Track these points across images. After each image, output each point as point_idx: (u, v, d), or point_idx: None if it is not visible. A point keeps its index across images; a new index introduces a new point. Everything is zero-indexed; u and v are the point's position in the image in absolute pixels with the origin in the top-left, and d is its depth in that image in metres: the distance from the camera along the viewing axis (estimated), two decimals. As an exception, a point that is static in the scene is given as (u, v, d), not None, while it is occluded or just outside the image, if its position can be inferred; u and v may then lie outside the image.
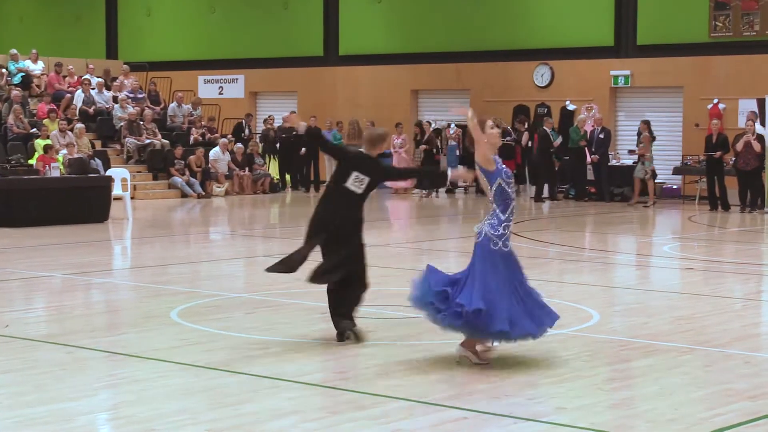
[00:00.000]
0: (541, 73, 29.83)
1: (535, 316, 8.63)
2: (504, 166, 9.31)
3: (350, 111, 31.58)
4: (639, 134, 27.00)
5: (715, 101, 26.70)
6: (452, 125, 29.82)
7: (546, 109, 29.27)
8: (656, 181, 27.13)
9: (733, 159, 24.66)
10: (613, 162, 27.59)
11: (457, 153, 29.47)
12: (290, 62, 33.84)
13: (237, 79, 35.05)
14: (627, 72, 28.45)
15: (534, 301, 8.71)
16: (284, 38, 34.05)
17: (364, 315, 10.90)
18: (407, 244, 18.19)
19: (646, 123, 26.33)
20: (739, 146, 24.23)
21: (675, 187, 27.62)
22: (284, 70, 33.94)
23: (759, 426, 7.02)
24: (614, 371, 8.62)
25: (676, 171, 27.11)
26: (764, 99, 24.58)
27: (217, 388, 7.91)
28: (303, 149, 29.71)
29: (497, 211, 8.85)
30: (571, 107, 28.77)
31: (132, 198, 22.44)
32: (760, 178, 24.28)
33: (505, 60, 30.21)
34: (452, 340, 9.57)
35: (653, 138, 26.15)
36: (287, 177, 30.37)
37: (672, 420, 7.26)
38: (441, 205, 26.87)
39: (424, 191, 29.33)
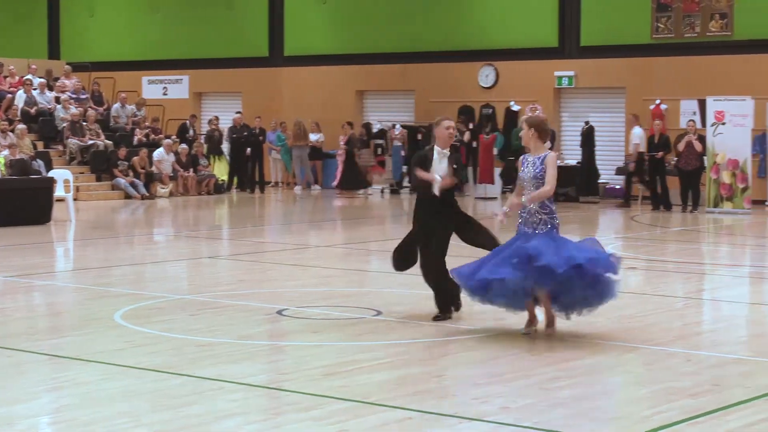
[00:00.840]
0: (485, 74, 29.94)
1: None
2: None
3: (295, 112, 31.51)
4: (582, 135, 27.20)
5: (657, 102, 26.94)
6: (397, 126, 29.83)
7: (491, 110, 29.39)
8: (599, 181, 27.34)
9: (675, 159, 24.90)
10: (557, 162, 27.72)
11: (402, 154, 29.50)
12: (235, 63, 33.70)
13: (181, 79, 34.86)
14: (571, 73, 28.64)
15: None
16: (229, 39, 33.91)
17: (309, 316, 10.88)
18: (353, 244, 18.18)
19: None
20: (681, 146, 24.48)
21: (618, 187, 27.83)
22: (229, 70, 33.80)
23: (700, 423, 7.08)
24: (559, 370, 8.66)
25: (619, 171, 27.31)
26: (705, 99, 24.84)
27: (161, 390, 7.86)
28: (249, 149, 29.61)
29: None
30: (515, 108, 28.91)
31: (75, 199, 22.23)
32: (701, 178, 24.53)
33: (449, 61, 30.29)
34: (396, 342, 9.59)
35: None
36: (234, 178, 30.22)
37: (615, 418, 7.31)
38: (386, 205, 26.88)
39: (369, 191, 29.34)
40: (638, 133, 25.36)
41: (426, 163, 10.76)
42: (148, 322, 10.47)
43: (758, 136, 25.03)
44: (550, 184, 9.96)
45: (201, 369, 8.46)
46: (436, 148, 10.82)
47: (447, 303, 10.70)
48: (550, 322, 9.96)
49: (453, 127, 10.92)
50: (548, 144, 10.19)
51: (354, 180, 28.89)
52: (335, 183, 29.76)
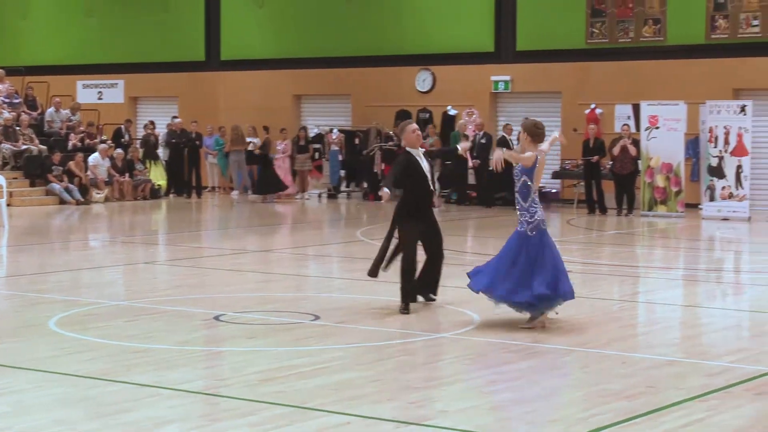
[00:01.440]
0: (422, 79, 30.02)
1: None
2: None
3: (232, 116, 31.39)
4: (519, 139, 27.34)
5: (593, 106, 27.18)
6: (335, 130, 29.83)
7: (428, 115, 29.47)
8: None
9: (610, 163, 25.14)
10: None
11: (339, 158, 29.50)
12: (171, 67, 33.50)
13: (117, 84, 34.59)
14: (507, 77, 28.81)
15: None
16: (165, 43, 33.70)
17: (246, 321, 10.85)
18: (290, 249, 18.15)
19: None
20: (616, 150, 24.72)
21: (554, 191, 28.03)
22: (165, 75, 33.58)
23: (635, 425, 7.16)
24: (495, 374, 8.72)
25: (555, 175, 27.52)
26: (639, 104, 25.09)
27: (97, 397, 7.79)
28: (185, 150, 29.45)
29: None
30: (452, 112, 29.02)
31: (8, 205, 21.97)
32: (636, 182, 24.79)
33: (387, 65, 30.33)
34: (334, 346, 9.59)
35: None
36: (168, 182, 30.04)
37: (552, 421, 7.36)
38: (323, 210, 26.87)
39: (306, 196, 29.30)
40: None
41: (414, 167, 11.49)
42: (84, 329, 10.38)
43: (691, 140, 25.34)
44: (524, 160, 10.57)
45: (137, 375, 8.40)
46: (412, 151, 11.59)
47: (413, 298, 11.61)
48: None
49: (418, 128, 11.85)
50: (543, 145, 10.73)
51: (269, 184, 28.68)
52: (250, 188, 29.69)
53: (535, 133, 10.62)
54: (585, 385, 8.36)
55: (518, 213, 10.71)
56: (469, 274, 11.01)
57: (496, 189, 27.44)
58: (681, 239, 20.59)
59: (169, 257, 17.10)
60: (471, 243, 20.16)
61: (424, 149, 11.78)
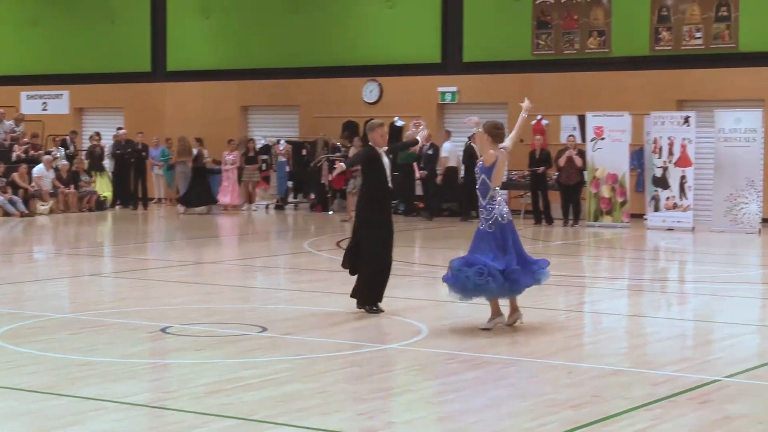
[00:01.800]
0: (369, 90, 30.08)
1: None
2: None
3: (179, 128, 31.25)
4: (465, 151, 27.49)
5: (539, 117, 27.35)
6: (282, 141, 29.78)
7: (375, 126, 29.48)
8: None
9: (556, 174, 25.30)
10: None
11: (287, 169, 29.44)
12: (117, 78, 33.30)
13: (61, 94, 34.33)
14: (454, 88, 28.93)
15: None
16: (110, 53, 33.50)
17: (193, 333, 10.80)
18: (237, 261, 18.09)
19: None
20: (562, 161, 24.89)
21: (501, 201, 28.16)
22: (110, 85, 33.38)
23: (581, 434, 7.21)
24: (443, 384, 8.73)
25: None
26: (584, 115, 25.30)
27: (41, 411, 7.71)
28: (132, 160, 29.25)
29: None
30: (399, 123, 29.06)
31: (-49, 217, 21.70)
32: (581, 192, 24.97)
33: (334, 76, 30.36)
34: (281, 358, 9.57)
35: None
36: (114, 194, 29.83)
37: (499, 431, 7.39)
38: (271, 221, 26.81)
39: (254, 207, 29.22)
40: (447, 147, 26.94)
41: (377, 161, 11.94)
42: (28, 342, 10.27)
43: (636, 151, 25.56)
44: (487, 156, 11.09)
45: (82, 389, 8.33)
46: (375, 147, 12.09)
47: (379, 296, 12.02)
48: (514, 309, 11.19)
49: (386, 132, 12.51)
50: (506, 142, 11.36)
51: (198, 197, 28.47)
52: (180, 200, 29.52)
53: (494, 133, 11.08)
54: (532, 395, 8.39)
55: (479, 211, 11.17)
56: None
57: (443, 199, 27.54)
58: (626, 249, 20.76)
59: (115, 269, 16.98)
60: (419, 254, 20.20)
61: (386, 147, 12.22)
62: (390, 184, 12.09)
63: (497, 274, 10.74)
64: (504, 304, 11.28)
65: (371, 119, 29.75)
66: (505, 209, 11.09)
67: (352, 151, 28.57)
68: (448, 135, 27.70)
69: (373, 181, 12.02)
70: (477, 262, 10.79)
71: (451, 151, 27.14)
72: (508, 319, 11.24)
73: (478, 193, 11.14)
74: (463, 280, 10.81)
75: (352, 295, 12.16)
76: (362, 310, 12.06)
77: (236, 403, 7.93)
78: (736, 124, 23.34)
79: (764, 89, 25.29)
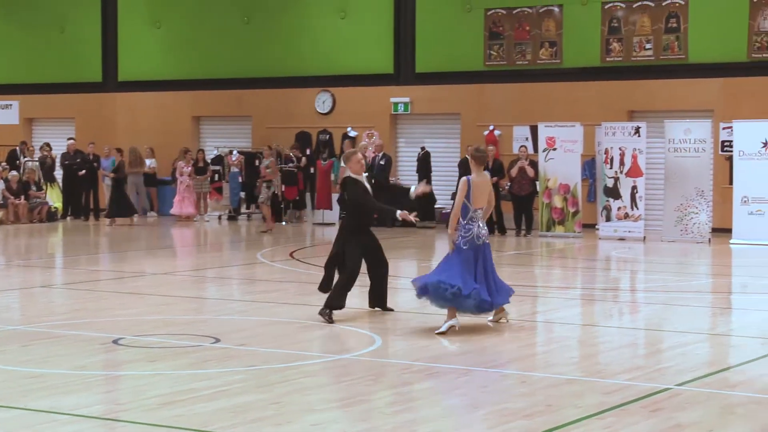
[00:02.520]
0: (322, 100, 30.08)
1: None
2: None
3: (131, 138, 31.09)
4: (418, 160, 27.55)
5: (491, 128, 27.48)
6: (234, 152, 29.70)
7: (328, 136, 29.52)
8: (436, 206, 27.68)
9: (509, 184, 25.41)
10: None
11: (240, 180, 29.36)
12: (67, 88, 33.09)
13: (11, 105, 34.04)
14: (406, 99, 29.00)
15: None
16: (61, 63, 33.28)
17: (146, 344, 10.75)
18: (190, 272, 18.01)
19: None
20: (514, 172, 24.99)
21: (454, 211, 28.25)
22: (61, 95, 33.15)
23: (534, 443, 7.25)
24: (396, 394, 8.75)
25: (454, 197, 27.68)
26: (536, 126, 25.43)
27: (-8, 424, 7.65)
28: (82, 171, 28.99)
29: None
30: (352, 134, 29.09)
31: None
32: (534, 203, 25.08)
33: (286, 87, 30.34)
34: (234, 369, 9.55)
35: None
36: (65, 205, 29.60)
37: (452, 440, 7.41)
38: (223, 232, 26.72)
39: (206, 218, 29.11)
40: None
41: (366, 190, 12.53)
42: (-22, 355, 10.17)
43: (587, 161, 25.74)
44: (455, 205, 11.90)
45: (33, 401, 8.27)
46: (358, 177, 12.54)
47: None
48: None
49: (362, 158, 12.84)
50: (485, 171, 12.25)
51: (119, 208, 28.26)
52: (149, 210, 29.35)
53: (475, 156, 11.91)
54: (485, 404, 8.43)
55: (458, 228, 11.77)
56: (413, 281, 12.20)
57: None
58: (578, 259, 20.89)
59: (67, 281, 16.86)
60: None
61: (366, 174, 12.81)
62: (413, 195, 12.99)
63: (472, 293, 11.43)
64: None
65: (323, 130, 29.75)
66: (484, 231, 11.73)
67: (303, 162, 28.59)
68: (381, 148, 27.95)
69: (363, 211, 12.59)
70: (451, 282, 11.43)
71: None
72: (494, 315, 12.02)
73: (460, 212, 11.76)
74: (442, 293, 11.46)
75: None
76: (323, 315, 12.24)
77: (189, 414, 7.91)
78: (686, 134, 23.57)
79: (714, 100, 25.57)
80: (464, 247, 11.59)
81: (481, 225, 11.71)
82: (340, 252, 12.54)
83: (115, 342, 10.82)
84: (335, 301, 12.37)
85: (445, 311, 11.65)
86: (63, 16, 33.35)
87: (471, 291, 11.38)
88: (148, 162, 29.98)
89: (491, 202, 12.00)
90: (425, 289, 11.64)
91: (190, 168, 29.08)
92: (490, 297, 11.57)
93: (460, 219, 11.70)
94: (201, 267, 18.89)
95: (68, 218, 29.22)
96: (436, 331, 11.34)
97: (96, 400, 8.56)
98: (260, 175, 26.25)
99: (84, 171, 29.07)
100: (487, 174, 12.10)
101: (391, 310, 12.92)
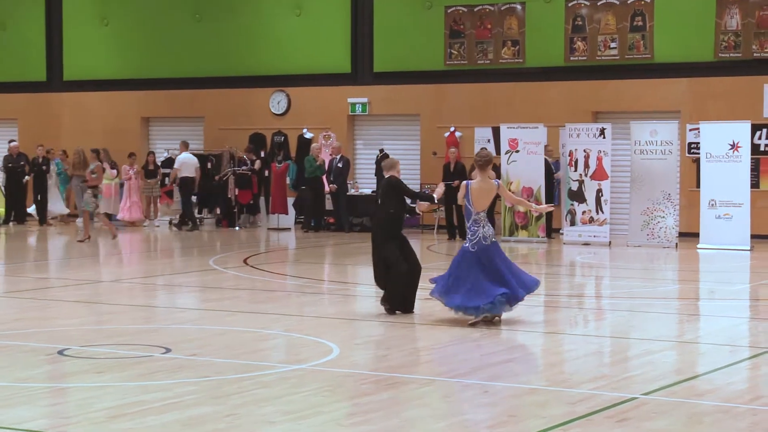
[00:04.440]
0: (277, 100, 30.05)
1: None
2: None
3: (77, 139, 30.85)
4: (377, 163, 27.55)
5: (452, 129, 27.55)
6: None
7: (283, 138, 29.48)
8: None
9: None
10: (351, 191, 28.02)
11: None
12: (10, 87, 32.84)
13: (-49, 105, 33.78)
14: (364, 99, 29.01)
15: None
16: (3, 62, 33.03)
17: (93, 355, 10.69)
18: (139, 279, 17.93)
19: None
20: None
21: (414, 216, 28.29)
22: (3, 95, 32.90)
23: (498, 455, 7.27)
24: (355, 406, 8.75)
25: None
26: (499, 127, 25.51)
27: (-69, 439, 7.59)
28: (26, 178, 28.80)
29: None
30: (308, 135, 29.08)
31: None
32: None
33: (240, 86, 30.28)
34: (186, 380, 9.51)
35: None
36: (7, 210, 29.37)
37: (412, 453, 7.42)
38: (174, 237, 26.60)
39: (156, 223, 28.99)
40: (182, 159, 27.87)
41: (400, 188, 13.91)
42: None
43: (551, 164, 25.85)
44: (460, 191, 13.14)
45: (-25, 415, 8.20)
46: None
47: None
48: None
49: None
50: (495, 180, 13.20)
51: (44, 210, 28.21)
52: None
53: (477, 161, 13.03)
54: (447, 415, 8.44)
55: (466, 231, 12.88)
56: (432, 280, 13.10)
57: (354, 214, 27.58)
58: (542, 264, 20.98)
59: (10, 288, 16.73)
60: (329, 270, 20.21)
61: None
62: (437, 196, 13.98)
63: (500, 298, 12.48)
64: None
65: (278, 131, 29.62)
66: (490, 231, 12.69)
67: (257, 164, 28.51)
68: (185, 146, 28.49)
69: (400, 210, 13.77)
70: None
71: (183, 162, 27.96)
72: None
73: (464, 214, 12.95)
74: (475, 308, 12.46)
75: (383, 301, 13.45)
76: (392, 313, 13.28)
77: (139, 428, 7.87)
78: (652, 136, 23.74)
79: (680, 101, 25.78)
80: (472, 250, 12.57)
81: (485, 226, 12.68)
82: (380, 261, 13.51)
83: (60, 353, 10.75)
84: (394, 300, 13.39)
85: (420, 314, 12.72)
86: (4, 13, 33.12)
87: (494, 297, 12.42)
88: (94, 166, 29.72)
89: (511, 198, 14.73)
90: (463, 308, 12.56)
91: (134, 170, 28.87)
92: (515, 290, 12.61)
93: (466, 221, 12.86)
94: (150, 274, 18.81)
95: (11, 224, 28.98)
96: (469, 322, 12.43)
97: (40, 413, 8.50)
98: (84, 180, 25.04)
99: (27, 178, 28.86)
100: (491, 180, 12.97)
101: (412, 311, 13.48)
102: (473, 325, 12.37)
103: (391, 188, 13.74)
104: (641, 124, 24.12)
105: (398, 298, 13.35)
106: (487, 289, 12.43)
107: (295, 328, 12.26)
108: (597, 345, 12.11)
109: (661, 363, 10.70)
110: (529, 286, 12.96)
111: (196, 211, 29.75)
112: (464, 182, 13.03)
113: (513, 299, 12.65)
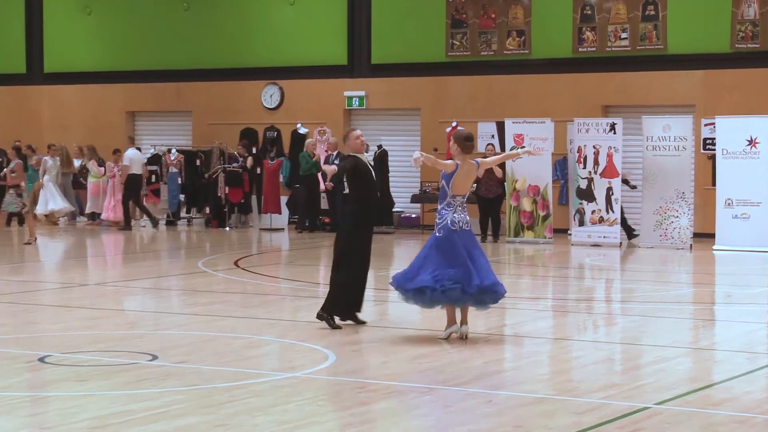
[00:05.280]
0: (269, 94, 30.05)
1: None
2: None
3: (58, 135, 30.90)
4: (375, 159, 27.59)
5: (454, 124, 27.54)
6: (173, 150, 29.57)
7: (276, 133, 29.50)
8: (394, 209, 27.73)
9: (475, 186, 25.47)
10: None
11: (179, 181, 29.23)
12: (-12, 80, 32.89)
13: (-75, 98, 33.79)
14: (361, 93, 29.02)
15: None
16: (-20, 53, 33.07)
17: (76, 362, 10.70)
18: (124, 282, 17.94)
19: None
20: (480, 172, 24.93)
21: (414, 215, 28.32)
22: (-19, 88, 32.95)
23: (502, 468, 7.28)
24: (352, 416, 8.76)
25: (415, 199, 27.79)
26: (503, 122, 25.48)
27: None
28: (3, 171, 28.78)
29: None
30: (302, 131, 29.09)
31: None
32: (501, 206, 25.11)
33: (230, 79, 30.29)
34: (174, 389, 9.53)
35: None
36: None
37: (413, 465, 7.44)
38: (161, 238, 26.62)
39: (141, 223, 29.00)
40: (130, 155, 28.05)
41: (364, 167, 12.79)
42: None
43: (559, 161, 25.88)
44: (445, 166, 12.36)
45: (-49, 426, 8.21)
46: (359, 155, 12.85)
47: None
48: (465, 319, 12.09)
49: (361, 134, 13.17)
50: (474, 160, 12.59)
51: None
52: (78, 215, 29.30)
53: (464, 145, 12.36)
54: (448, 426, 8.45)
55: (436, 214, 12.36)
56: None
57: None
58: (549, 267, 20.98)
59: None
60: (324, 273, 20.20)
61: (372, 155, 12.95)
62: (377, 194, 13.27)
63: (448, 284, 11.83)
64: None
65: (270, 127, 29.71)
66: (458, 217, 12.10)
67: (249, 162, 28.52)
68: (131, 141, 28.99)
69: (362, 190, 12.85)
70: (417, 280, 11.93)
71: (131, 158, 28.19)
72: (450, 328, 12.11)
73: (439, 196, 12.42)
74: (419, 296, 11.95)
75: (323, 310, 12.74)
76: (322, 319, 12.65)
77: (124, 439, 7.89)
78: (666, 131, 23.74)
79: (695, 94, 25.79)
80: (438, 234, 12.06)
81: (458, 213, 12.10)
82: (340, 255, 12.73)
83: (41, 360, 10.75)
84: (337, 300, 12.70)
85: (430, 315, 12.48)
86: (-17, 1, 33.16)
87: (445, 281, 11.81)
88: (77, 162, 29.79)
89: (492, 162, 13.89)
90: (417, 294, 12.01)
91: (118, 167, 28.85)
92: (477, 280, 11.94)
93: (439, 203, 12.29)
94: (136, 277, 18.81)
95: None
96: (438, 337, 12.00)
97: (20, 423, 8.51)
98: (4, 179, 24.73)
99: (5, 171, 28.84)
100: (472, 161, 12.47)
101: (364, 323, 12.97)
102: (446, 339, 11.97)
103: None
104: (654, 119, 24.14)
105: (329, 299, 12.73)
106: (440, 275, 11.84)
107: (288, 334, 12.27)
108: (607, 352, 12.12)
109: (674, 371, 10.71)
110: (494, 289, 12.14)
111: (184, 210, 29.78)
112: (453, 162, 12.29)
113: (467, 296, 11.91)
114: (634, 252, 23.10)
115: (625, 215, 24.55)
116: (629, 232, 24.70)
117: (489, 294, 12.07)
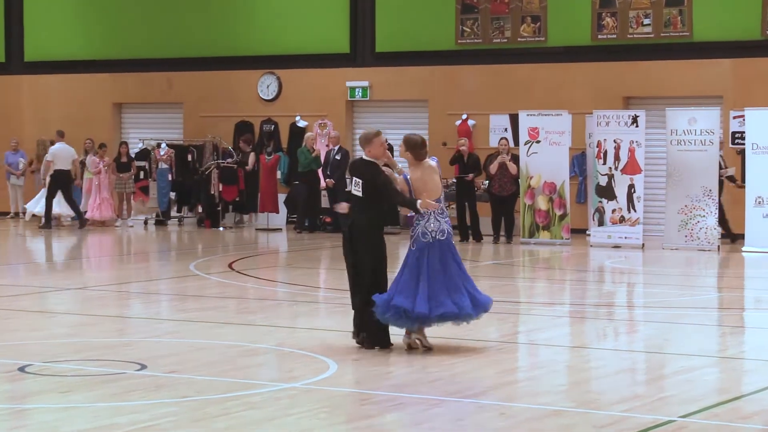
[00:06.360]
0: (266, 84, 30.05)
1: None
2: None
3: (39, 127, 30.96)
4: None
5: (464, 117, 27.55)
6: (163, 145, 29.56)
7: (273, 126, 29.50)
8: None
9: (486, 183, 25.43)
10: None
11: (169, 178, 29.22)
12: (-36, 69, 32.93)
13: None
14: (365, 83, 29.00)
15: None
16: (-43, 41, 33.11)
17: (58, 372, 10.70)
18: (110, 286, 17.95)
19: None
20: (493, 169, 24.92)
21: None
22: (-43, 78, 32.99)
23: (517, 485, 7.28)
24: (355, 429, 8.76)
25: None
26: (517, 114, 25.43)
27: None
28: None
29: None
30: (301, 124, 29.09)
31: None
32: (516, 205, 25.05)
33: (224, 68, 30.28)
34: (164, 400, 9.53)
35: None
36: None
37: (420, 483, 7.44)
38: (150, 239, 26.64)
39: (129, 222, 29.00)
40: (54, 150, 27.86)
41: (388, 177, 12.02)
42: None
43: (577, 156, 25.85)
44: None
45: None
46: (378, 162, 12.10)
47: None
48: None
49: (386, 140, 12.69)
50: (429, 158, 12.27)
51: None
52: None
53: (418, 153, 12.00)
54: (458, 440, 8.45)
55: None
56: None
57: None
58: (566, 270, 20.98)
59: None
60: (325, 277, 20.21)
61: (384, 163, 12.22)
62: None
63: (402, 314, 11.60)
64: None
65: (267, 119, 29.73)
66: (432, 226, 11.80)
67: (251, 159, 28.49)
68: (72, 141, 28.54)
69: (385, 202, 12.13)
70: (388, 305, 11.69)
71: (55, 155, 27.84)
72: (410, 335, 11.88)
73: None
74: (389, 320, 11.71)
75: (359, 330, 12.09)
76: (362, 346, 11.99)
77: (111, 454, 7.89)
78: (691, 124, 23.72)
79: (723, 85, 25.75)
80: (412, 248, 11.88)
81: (433, 220, 11.79)
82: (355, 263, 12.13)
83: (21, 369, 10.76)
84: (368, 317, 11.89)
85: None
86: (-41, -15, 33.19)
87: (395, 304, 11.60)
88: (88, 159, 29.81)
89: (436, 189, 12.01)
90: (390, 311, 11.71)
91: (104, 163, 28.85)
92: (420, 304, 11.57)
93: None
94: (123, 280, 18.82)
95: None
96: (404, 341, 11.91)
97: (0, 438, 8.52)
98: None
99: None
100: (430, 162, 12.08)
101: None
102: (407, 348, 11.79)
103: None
104: (678, 111, 24.10)
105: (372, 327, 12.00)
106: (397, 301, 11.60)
107: (286, 342, 12.26)
108: (629, 361, 12.12)
109: (701, 381, 10.71)
110: (480, 303, 11.96)
111: (174, 209, 29.78)
112: (403, 176, 11.99)
113: (422, 317, 11.62)
114: (657, 254, 23.06)
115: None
116: (728, 231, 24.40)
117: (450, 318, 11.76)
